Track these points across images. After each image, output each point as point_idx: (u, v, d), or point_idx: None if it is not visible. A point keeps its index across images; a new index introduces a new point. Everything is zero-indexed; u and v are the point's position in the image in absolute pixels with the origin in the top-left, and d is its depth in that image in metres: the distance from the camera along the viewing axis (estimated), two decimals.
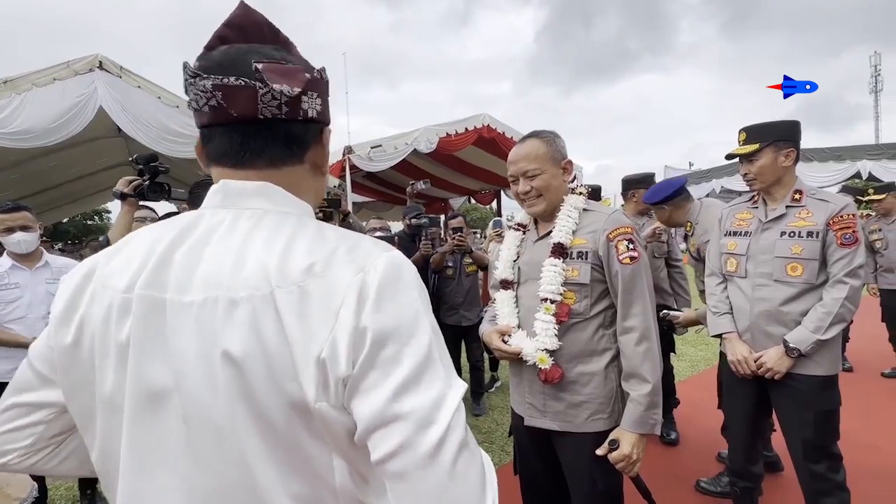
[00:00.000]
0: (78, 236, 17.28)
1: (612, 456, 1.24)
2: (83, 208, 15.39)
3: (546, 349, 1.29)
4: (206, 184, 0.68)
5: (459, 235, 3.26)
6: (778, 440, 2.22)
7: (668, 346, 3.00)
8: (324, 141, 0.62)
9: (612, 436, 1.27)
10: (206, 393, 0.48)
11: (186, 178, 9.43)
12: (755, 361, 1.71)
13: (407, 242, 3.62)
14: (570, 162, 1.39)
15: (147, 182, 1.59)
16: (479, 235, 9.52)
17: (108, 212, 24.69)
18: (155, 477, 0.51)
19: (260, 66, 0.53)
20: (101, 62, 4.48)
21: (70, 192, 8.90)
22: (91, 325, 0.53)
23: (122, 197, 1.58)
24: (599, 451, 1.27)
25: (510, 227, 1.58)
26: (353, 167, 7.06)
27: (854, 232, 1.60)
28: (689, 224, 2.44)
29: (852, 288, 1.58)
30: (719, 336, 1.86)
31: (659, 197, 2.43)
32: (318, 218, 0.60)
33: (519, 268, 1.45)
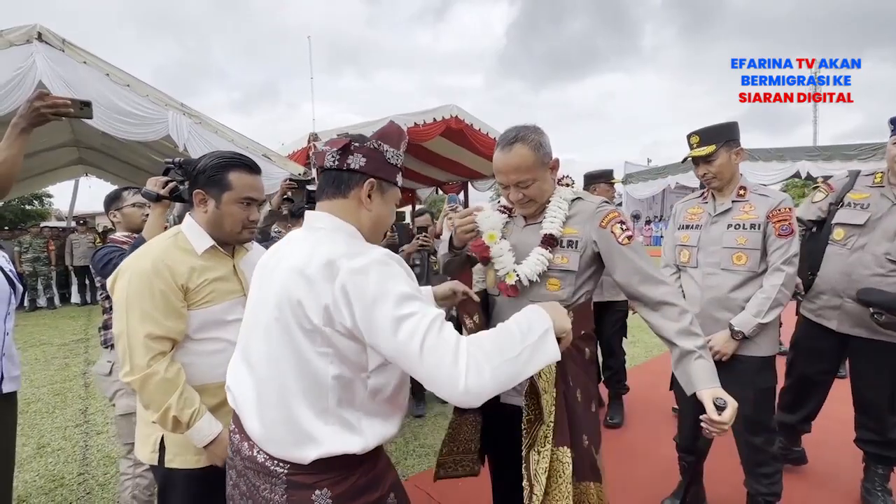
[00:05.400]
0: (15, 223, 15.84)
1: (727, 414, 1.10)
2: (21, 192, 14.14)
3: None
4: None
5: (424, 235, 3.18)
6: (810, 439, 2.41)
7: (620, 331, 3.12)
8: (365, 186, 0.96)
9: (712, 398, 1.14)
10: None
11: (138, 161, 8.90)
12: None
13: None
14: (556, 160, 1.36)
15: (186, 185, 1.54)
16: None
17: (50, 196, 22.39)
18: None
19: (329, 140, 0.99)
20: (39, 33, 4.14)
21: None
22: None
23: (157, 198, 1.58)
24: (712, 417, 1.11)
25: (497, 209, 1.52)
26: None
27: (790, 224, 1.74)
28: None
29: (788, 275, 1.72)
30: None
31: None
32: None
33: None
